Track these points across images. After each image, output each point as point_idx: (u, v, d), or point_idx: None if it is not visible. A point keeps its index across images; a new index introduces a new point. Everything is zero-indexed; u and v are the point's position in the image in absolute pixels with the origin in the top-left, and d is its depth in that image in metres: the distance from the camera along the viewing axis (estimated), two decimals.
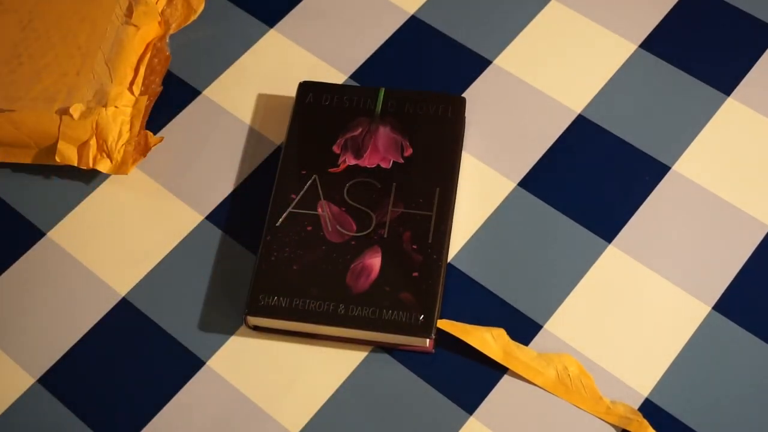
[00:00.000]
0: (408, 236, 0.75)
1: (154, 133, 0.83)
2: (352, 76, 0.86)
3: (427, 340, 0.72)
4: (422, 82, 0.85)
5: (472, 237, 0.78)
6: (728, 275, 0.75)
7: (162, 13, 0.85)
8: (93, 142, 0.79)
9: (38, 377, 0.73)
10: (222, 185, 0.81)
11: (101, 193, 0.81)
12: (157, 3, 0.85)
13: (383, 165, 0.78)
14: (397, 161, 0.78)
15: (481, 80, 0.85)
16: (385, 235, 0.75)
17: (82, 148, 0.79)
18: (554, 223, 0.78)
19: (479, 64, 0.86)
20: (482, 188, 0.80)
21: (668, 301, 0.74)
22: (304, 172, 0.78)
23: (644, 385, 0.71)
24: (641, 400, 0.71)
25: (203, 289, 0.76)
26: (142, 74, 0.82)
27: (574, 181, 0.80)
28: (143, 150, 0.80)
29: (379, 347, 0.73)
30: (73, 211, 0.80)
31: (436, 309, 0.72)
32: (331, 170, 0.78)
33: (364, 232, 0.75)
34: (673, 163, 0.80)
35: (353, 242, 0.75)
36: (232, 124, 0.84)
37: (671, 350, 0.73)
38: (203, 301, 0.76)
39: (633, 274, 0.76)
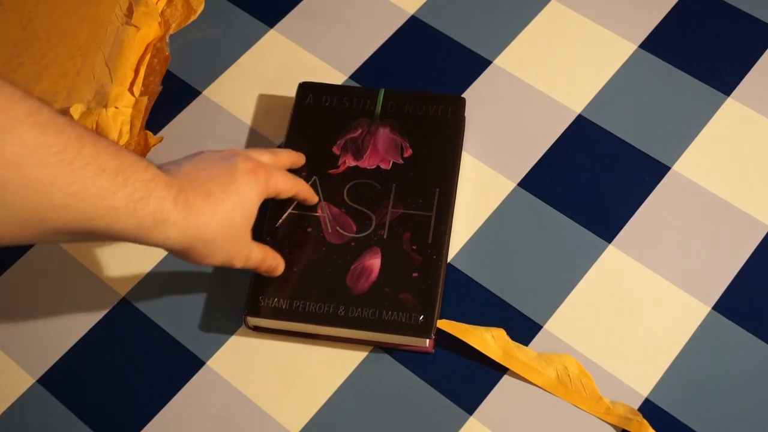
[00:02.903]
0: (408, 237, 0.75)
1: (154, 133, 0.83)
2: (352, 77, 0.86)
3: (427, 340, 0.72)
4: (422, 82, 0.85)
5: (472, 237, 0.78)
6: (728, 275, 0.75)
7: (162, 14, 0.85)
8: None
9: (38, 377, 0.73)
10: None
11: None
12: (157, 3, 0.85)
13: (383, 166, 0.78)
14: (396, 162, 0.78)
15: (481, 80, 0.85)
16: (385, 236, 0.75)
17: None
18: (554, 223, 0.78)
19: (479, 64, 0.86)
20: (482, 188, 0.80)
21: (668, 301, 0.74)
22: (304, 173, 0.78)
23: (644, 385, 0.71)
24: (641, 400, 0.71)
25: (203, 289, 0.76)
26: (143, 75, 0.82)
27: (574, 181, 0.80)
28: (143, 150, 0.80)
29: (379, 347, 0.73)
30: None
31: (436, 309, 0.72)
32: (330, 171, 0.78)
33: (364, 233, 0.75)
34: (673, 163, 0.80)
35: (353, 243, 0.75)
36: (232, 124, 0.84)
37: (671, 350, 0.73)
38: (203, 301, 0.76)
39: (633, 274, 0.76)
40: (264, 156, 0.73)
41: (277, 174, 0.71)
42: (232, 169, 0.68)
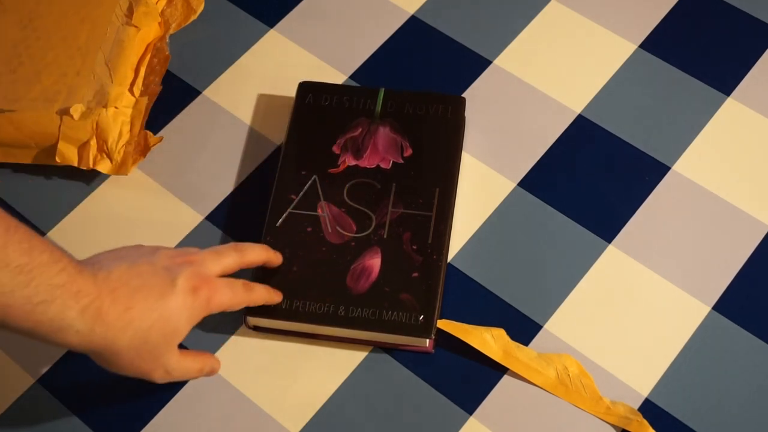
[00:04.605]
0: (408, 237, 0.75)
1: (154, 133, 0.83)
2: (352, 76, 0.86)
3: (427, 340, 0.72)
4: (422, 82, 0.85)
5: (472, 237, 0.78)
6: (728, 275, 0.75)
7: (162, 14, 0.85)
8: (93, 142, 0.79)
9: (38, 377, 0.73)
10: (222, 185, 0.81)
11: (101, 193, 0.81)
12: (157, 3, 0.85)
13: (383, 165, 0.78)
14: (396, 162, 0.78)
15: (481, 80, 0.85)
16: (385, 236, 0.75)
17: (83, 148, 0.79)
18: (554, 223, 0.78)
19: (479, 64, 0.86)
20: (482, 188, 0.80)
21: (668, 301, 0.74)
22: (303, 172, 0.78)
23: (644, 385, 0.71)
24: (641, 400, 0.71)
25: None
26: (143, 75, 0.82)
27: (575, 181, 0.80)
28: (143, 150, 0.80)
29: (379, 347, 0.73)
30: (73, 211, 0.80)
31: (436, 309, 0.72)
32: (330, 171, 0.78)
33: (364, 233, 0.75)
34: (673, 163, 0.80)
35: (353, 243, 0.75)
36: (232, 124, 0.84)
37: (671, 350, 0.73)
38: None
39: (633, 274, 0.76)
40: (227, 258, 0.69)
41: (224, 291, 0.68)
42: (171, 283, 0.65)
